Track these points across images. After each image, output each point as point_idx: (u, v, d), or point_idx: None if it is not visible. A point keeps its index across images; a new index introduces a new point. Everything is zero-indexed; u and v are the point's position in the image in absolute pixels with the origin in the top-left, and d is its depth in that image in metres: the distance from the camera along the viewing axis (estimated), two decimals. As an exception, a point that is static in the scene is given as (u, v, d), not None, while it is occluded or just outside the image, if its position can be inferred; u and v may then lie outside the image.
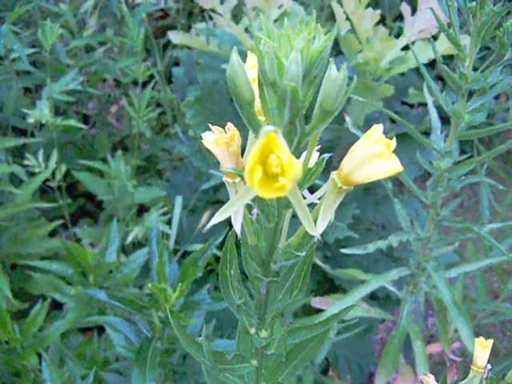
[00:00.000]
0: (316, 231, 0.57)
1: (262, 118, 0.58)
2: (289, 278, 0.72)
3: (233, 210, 0.57)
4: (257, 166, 0.46)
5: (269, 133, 0.46)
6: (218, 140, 0.63)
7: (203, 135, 0.64)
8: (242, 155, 0.66)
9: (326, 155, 0.63)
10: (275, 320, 0.75)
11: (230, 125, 0.64)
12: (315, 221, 0.61)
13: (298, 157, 0.60)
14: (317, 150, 0.63)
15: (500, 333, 2.63)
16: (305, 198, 0.65)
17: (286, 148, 0.46)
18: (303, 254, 0.65)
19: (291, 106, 0.51)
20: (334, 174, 0.60)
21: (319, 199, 0.63)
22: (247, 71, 0.58)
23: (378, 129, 0.58)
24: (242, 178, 0.61)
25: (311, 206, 0.64)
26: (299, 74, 0.50)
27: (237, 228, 0.64)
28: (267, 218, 0.62)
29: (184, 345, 0.79)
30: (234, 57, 0.53)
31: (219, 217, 0.56)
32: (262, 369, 0.82)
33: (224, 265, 0.73)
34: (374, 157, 0.57)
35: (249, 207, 0.64)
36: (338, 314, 0.75)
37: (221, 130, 0.64)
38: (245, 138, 0.63)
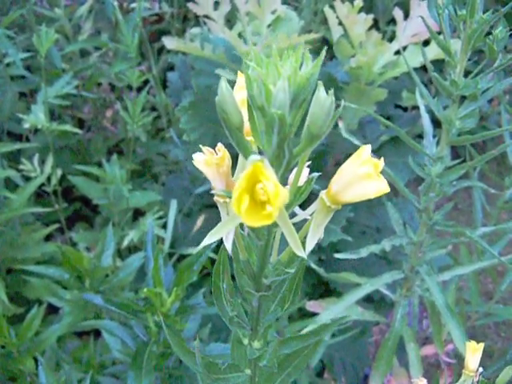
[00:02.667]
0: (303, 252, 0.58)
1: (251, 138, 0.59)
2: (280, 291, 0.73)
3: (223, 233, 0.58)
4: (244, 194, 0.48)
5: (255, 162, 0.48)
6: (208, 161, 0.65)
7: (194, 156, 0.65)
8: (233, 173, 0.67)
9: (315, 174, 0.64)
10: (268, 331, 0.76)
11: (220, 145, 0.66)
12: (305, 237, 0.63)
13: (287, 177, 0.61)
14: (307, 166, 0.65)
15: (495, 334, 2.64)
16: (296, 214, 0.66)
17: (273, 176, 0.48)
18: (293, 270, 0.66)
19: (279, 132, 0.53)
20: (323, 194, 0.62)
21: (310, 215, 0.65)
22: (237, 91, 0.60)
23: (365, 150, 0.60)
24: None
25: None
26: (286, 101, 0.51)
27: (227, 246, 0.65)
28: (257, 236, 0.63)
29: (177, 353, 0.80)
30: (223, 84, 0.55)
31: (210, 239, 0.57)
32: (255, 377, 0.83)
33: (217, 277, 0.74)
34: (362, 178, 0.59)
35: (240, 223, 0.65)
36: (330, 324, 0.76)
37: (211, 150, 0.65)
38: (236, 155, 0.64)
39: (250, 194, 0.49)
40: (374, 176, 0.58)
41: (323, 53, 0.55)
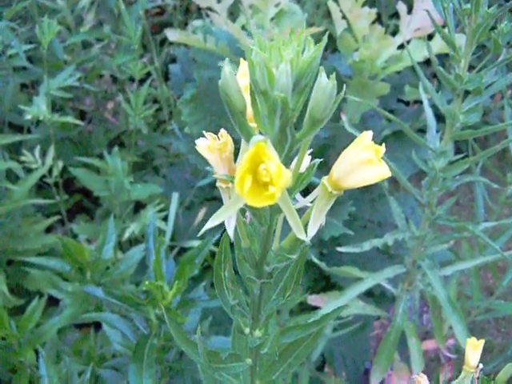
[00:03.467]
0: (306, 235, 0.58)
1: (253, 125, 0.59)
2: (282, 279, 0.73)
3: (225, 217, 0.58)
4: (246, 175, 0.48)
5: (258, 142, 0.48)
6: (210, 146, 0.65)
7: (197, 141, 0.65)
8: (236, 160, 0.67)
9: (317, 160, 0.64)
10: (269, 319, 0.76)
11: (222, 131, 0.66)
12: (307, 224, 0.62)
13: (289, 162, 0.61)
14: (309, 154, 0.64)
15: (494, 329, 2.64)
16: (297, 201, 0.66)
17: (276, 157, 0.48)
18: (295, 256, 0.66)
19: (281, 116, 0.53)
20: (324, 179, 0.61)
21: (311, 202, 0.64)
22: (240, 78, 0.60)
23: (367, 135, 0.59)
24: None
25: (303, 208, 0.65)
26: (289, 84, 0.51)
27: (230, 232, 0.65)
28: (260, 222, 0.63)
29: (179, 344, 0.80)
30: (226, 68, 0.55)
31: (212, 223, 0.57)
32: (256, 367, 0.83)
33: (218, 265, 0.74)
34: (363, 163, 0.58)
35: (242, 210, 0.65)
36: (330, 313, 0.76)
37: (214, 136, 0.65)
38: (239, 140, 0.64)
39: (252, 175, 0.49)
40: (375, 161, 0.58)
41: (325, 38, 0.55)
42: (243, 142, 0.61)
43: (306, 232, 0.62)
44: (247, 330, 0.77)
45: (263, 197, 0.48)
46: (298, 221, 0.57)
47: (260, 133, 0.60)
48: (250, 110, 0.58)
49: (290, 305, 1.77)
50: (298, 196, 0.66)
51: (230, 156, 0.65)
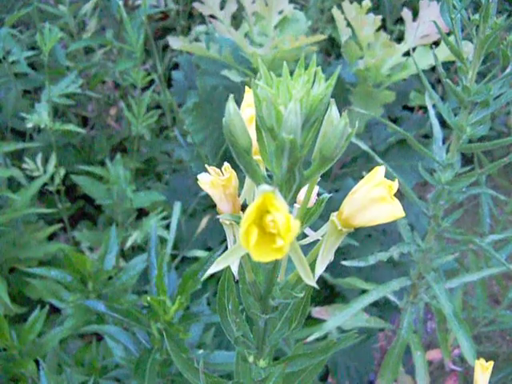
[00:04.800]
0: (313, 280, 0.56)
1: (258, 157, 0.56)
2: (286, 310, 0.71)
3: (228, 263, 0.55)
4: (252, 227, 0.45)
5: (266, 193, 0.45)
6: (214, 182, 0.62)
7: (199, 177, 0.62)
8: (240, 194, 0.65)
9: (326, 195, 0.62)
10: (273, 349, 0.74)
11: (226, 165, 0.63)
12: (315, 260, 0.60)
13: (296, 198, 0.59)
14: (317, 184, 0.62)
15: (499, 337, 2.62)
16: (306, 235, 0.64)
17: (284, 208, 0.45)
18: (301, 295, 0.63)
19: (290, 156, 0.50)
20: (334, 216, 0.59)
21: (322, 237, 0.62)
22: (245, 109, 0.57)
23: (379, 171, 0.57)
24: (239, 223, 0.59)
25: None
26: (298, 124, 0.48)
27: (234, 269, 0.63)
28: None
29: (181, 370, 0.78)
30: (231, 105, 0.52)
31: (216, 267, 0.55)
32: (260, 396, 0.81)
33: (222, 294, 0.72)
34: (375, 201, 0.56)
35: None
36: (338, 343, 0.74)
37: (217, 171, 0.62)
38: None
39: (258, 225, 0.46)
40: (388, 199, 0.56)
41: (335, 75, 0.51)
42: (248, 178, 0.59)
43: (315, 268, 0.60)
44: (251, 359, 0.75)
45: (270, 249, 0.45)
46: (306, 266, 0.55)
47: (266, 169, 0.57)
48: (255, 143, 0.56)
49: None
50: (308, 230, 0.64)
51: (234, 192, 0.63)
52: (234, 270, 0.63)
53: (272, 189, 0.45)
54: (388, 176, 0.56)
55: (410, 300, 1.54)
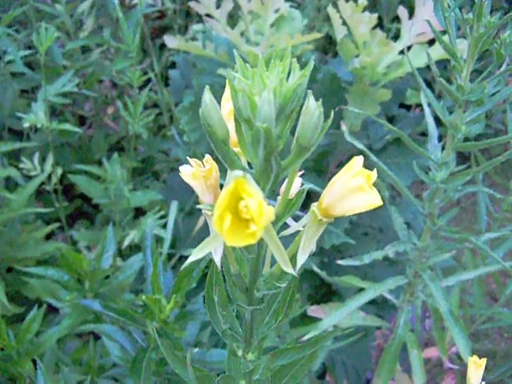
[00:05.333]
0: (291, 269, 0.56)
1: (238, 149, 0.57)
2: (274, 303, 0.72)
3: (208, 250, 0.56)
4: (225, 213, 0.45)
5: (237, 178, 0.45)
6: (195, 173, 0.63)
7: (181, 168, 0.63)
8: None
9: (307, 186, 0.62)
10: (262, 342, 0.75)
11: (207, 157, 0.64)
12: (296, 251, 0.61)
13: (277, 189, 0.59)
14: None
15: (497, 335, 2.62)
16: (289, 226, 0.64)
17: (257, 193, 0.45)
18: (283, 285, 0.64)
19: (265, 145, 0.51)
20: (314, 206, 0.59)
21: (303, 227, 0.62)
22: (225, 103, 0.58)
23: (358, 161, 0.57)
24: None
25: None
26: (272, 113, 0.49)
27: (217, 259, 0.63)
28: (247, 250, 0.61)
29: (172, 364, 0.78)
30: (207, 96, 0.53)
31: (195, 256, 0.55)
32: (250, 389, 0.81)
33: (210, 287, 0.72)
34: (353, 190, 0.56)
35: None
36: (326, 335, 0.74)
37: (199, 162, 0.63)
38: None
39: (233, 211, 0.47)
40: (367, 188, 0.56)
41: (311, 62, 0.52)
42: (229, 170, 0.59)
43: (297, 259, 0.60)
44: (240, 353, 0.75)
45: (244, 235, 0.46)
46: (284, 254, 0.55)
47: (248, 163, 0.58)
48: (234, 135, 0.57)
49: (291, 315, 1.75)
50: (290, 220, 0.64)
51: (215, 183, 0.64)
52: (217, 260, 0.63)
53: (243, 174, 0.46)
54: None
55: (406, 298, 1.54)
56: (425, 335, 2.21)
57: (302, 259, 0.60)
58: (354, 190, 0.56)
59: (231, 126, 0.56)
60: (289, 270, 0.56)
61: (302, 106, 0.53)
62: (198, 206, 0.63)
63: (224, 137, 0.55)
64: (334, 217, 0.59)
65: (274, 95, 0.49)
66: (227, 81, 0.60)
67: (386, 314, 2.03)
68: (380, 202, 0.55)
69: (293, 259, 0.60)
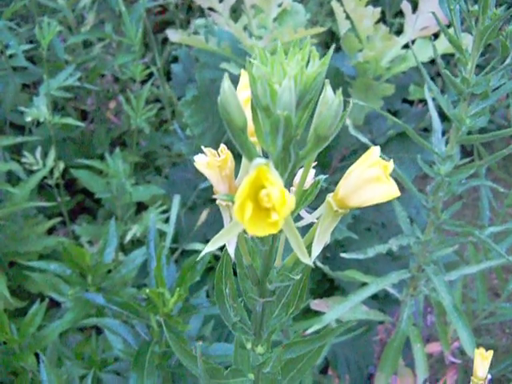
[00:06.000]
0: (309, 259, 0.56)
1: (254, 139, 0.56)
2: (284, 296, 0.71)
3: (225, 240, 0.55)
4: (246, 201, 0.45)
5: (259, 166, 0.45)
6: (210, 163, 0.62)
7: (195, 158, 0.62)
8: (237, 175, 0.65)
9: (322, 177, 0.62)
10: (271, 335, 0.74)
11: (223, 146, 0.63)
12: (311, 243, 0.60)
13: (293, 179, 0.59)
14: (313, 167, 0.62)
15: (499, 330, 2.62)
16: (302, 217, 0.64)
17: (279, 182, 0.45)
18: (298, 277, 0.64)
19: (284, 134, 0.50)
20: (330, 197, 0.59)
21: (317, 219, 0.62)
22: (241, 91, 0.57)
23: (374, 151, 0.56)
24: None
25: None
26: (292, 101, 0.48)
27: (230, 251, 0.63)
28: (261, 241, 0.61)
29: (180, 358, 0.78)
30: (226, 84, 0.51)
31: (212, 246, 0.55)
32: (259, 382, 0.81)
33: (219, 280, 0.72)
34: (370, 181, 0.56)
35: None
36: (336, 328, 0.74)
37: (213, 152, 0.62)
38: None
39: (253, 200, 0.46)
40: (384, 179, 0.55)
41: (331, 51, 0.52)
42: (244, 159, 0.59)
43: (310, 250, 0.60)
44: (249, 346, 0.75)
45: (265, 224, 0.45)
46: (302, 244, 0.55)
47: (262, 150, 0.57)
48: (250, 124, 0.55)
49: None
50: (303, 212, 0.64)
51: (230, 173, 0.63)
52: (231, 251, 0.63)
53: (266, 161, 0.45)
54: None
55: (409, 293, 1.54)
56: (426, 331, 2.21)
57: (317, 250, 0.60)
58: (370, 180, 0.55)
59: (247, 113, 0.55)
60: (306, 260, 0.55)
61: (319, 96, 0.53)
62: (214, 196, 0.62)
63: (242, 125, 0.54)
64: (350, 208, 0.58)
65: (294, 83, 0.49)
66: (242, 70, 0.60)
67: (389, 309, 2.03)
68: (398, 193, 0.54)
69: (307, 250, 0.60)
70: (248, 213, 0.45)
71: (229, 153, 0.63)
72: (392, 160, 0.58)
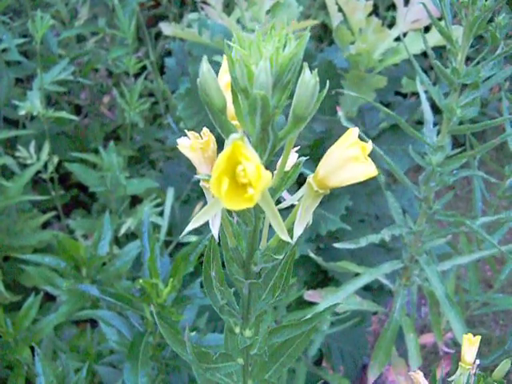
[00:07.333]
0: (288, 236, 0.57)
1: (236, 122, 0.58)
2: (271, 278, 0.72)
3: (206, 218, 0.56)
4: (222, 176, 0.46)
5: (235, 141, 0.46)
6: (193, 145, 0.63)
7: (178, 141, 0.64)
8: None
9: (303, 158, 0.63)
10: (260, 319, 0.75)
11: (205, 130, 0.64)
12: (293, 224, 0.61)
13: (274, 160, 0.60)
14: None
15: (492, 321, 2.64)
16: (284, 199, 0.65)
17: (254, 157, 0.46)
18: (280, 257, 0.65)
19: (262, 114, 0.51)
20: (310, 178, 0.60)
21: (298, 201, 0.63)
22: (222, 75, 0.58)
23: (353, 132, 0.57)
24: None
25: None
26: (269, 81, 0.50)
27: (214, 232, 0.64)
28: (245, 222, 0.62)
29: (170, 344, 0.79)
30: (204, 66, 0.53)
31: (193, 225, 0.56)
32: (248, 367, 0.82)
33: (207, 264, 0.73)
34: (349, 161, 0.56)
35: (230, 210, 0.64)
36: (322, 312, 0.75)
37: (196, 135, 0.64)
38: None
39: (231, 177, 0.47)
40: (362, 159, 0.56)
41: (307, 33, 0.53)
42: (226, 141, 0.60)
43: (293, 230, 0.61)
44: (237, 330, 0.76)
45: (241, 199, 0.46)
46: (281, 222, 0.56)
47: (244, 132, 0.58)
48: (231, 108, 0.57)
49: (287, 301, 1.76)
50: (285, 194, 0.64)
51: (212, 155, 0.64)
52: (215, 232, 0.64)
53: (240, 136, 0.47)
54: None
55: (402, 283, 1.55)
56: (420, 322, 2.22)
57: (298, 230, 0.61)
58: (349, 160, 0.56)
59: (228, 98, 0.56)
60: (285, 237, 0.56)
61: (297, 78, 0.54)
62: (196, 176, 0.63)
63: (221, 106, 0.55)
64: (329, 188, 0.59)
65: (270, 64, 0.50)
66: (224, 55, 0.61)
67: (382, 300, 2.04)
68: (375, 172, 0.55)
69: (289, 232, 0.60)
70: (224, 187, 0.46)
71: (211, 135, 0.64)
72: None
